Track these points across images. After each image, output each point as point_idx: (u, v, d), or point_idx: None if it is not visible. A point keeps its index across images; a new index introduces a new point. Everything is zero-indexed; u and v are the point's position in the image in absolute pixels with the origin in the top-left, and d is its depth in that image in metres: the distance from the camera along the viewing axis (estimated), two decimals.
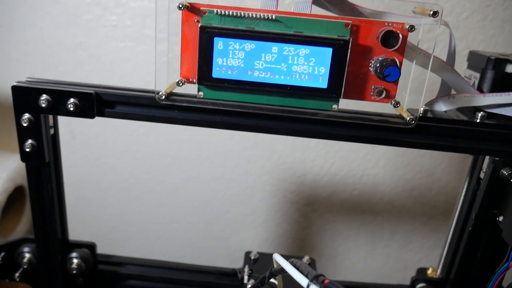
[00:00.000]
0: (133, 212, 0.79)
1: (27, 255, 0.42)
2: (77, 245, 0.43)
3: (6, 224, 0.70)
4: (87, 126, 0.73)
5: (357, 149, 0.72)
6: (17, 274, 0.44)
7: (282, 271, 0.34)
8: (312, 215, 0.77)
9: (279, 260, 0.29)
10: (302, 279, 0.24)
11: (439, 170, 0.72)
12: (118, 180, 0.76)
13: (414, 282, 0.43)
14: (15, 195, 0.70)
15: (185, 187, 0.76)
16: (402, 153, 0.71)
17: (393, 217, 0.76)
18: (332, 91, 0.32)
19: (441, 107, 0.36)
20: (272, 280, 0.44)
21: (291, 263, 0.27)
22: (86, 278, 0.44)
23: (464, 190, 0.41)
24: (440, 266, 0.44)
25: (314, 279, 0.23)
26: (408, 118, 0.33)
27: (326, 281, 0.22)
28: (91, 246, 0.43)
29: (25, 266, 0.42)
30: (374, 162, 0.72)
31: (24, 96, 0.34)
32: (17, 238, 0.43)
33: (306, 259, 0.47)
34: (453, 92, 0.36)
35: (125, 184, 0.76)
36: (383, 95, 0.33)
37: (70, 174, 0.75)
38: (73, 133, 0.73)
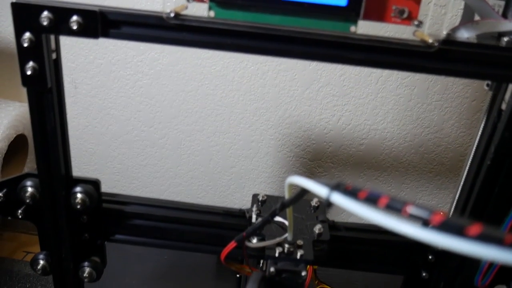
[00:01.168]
0: (136, 166, 0.78)
1: (30, 189, 0.41)
2: (81, 181, 0.42)
3: (8, 175, 0.69)
4: (89, 76, 0.71)
5: (365, 102, 0.70)
6: (19, 211, 0.43)
7: (294, 201, 0.33)
8: (317, 170, 0.76)
9: (294, 179, 0.28)
10: (322, 190, 0.22)
11: (448, 125, 0.71)
12: (120, 132, 0.75)
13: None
14: (17, 145, 0.68)
15: (189, 140, 0.74)
16: (411, 107, 0.70)
17: (399, 173, 0.75)
18: (352, 9, 0.31)
19: (463, 34, 0.34)
20: (280, 219, 0.43)
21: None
22: (91, 216, 0.44)
23: (483, 124, 0.39)
24: (453, 207, 0.43)
25: (335, 187, 0.22)
26: (430, 41, 0.31)
27: (349, 186, 0.21)
28: (95, 183, 0.42)
29: (27, 201, 0.41)
30: (382, 116, 0.71)
31: (24, 13, 0.32)
32: (19, 174, 0.42)
33: (315, 201, 0.46)
34: (476, 18, 0.35)
35: (128, 137, 0.75)
36: (405, 15, 0.31)
37: (72, 126, 0.74)
38: (75, 83, 0.71)
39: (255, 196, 0.46)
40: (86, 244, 0.45)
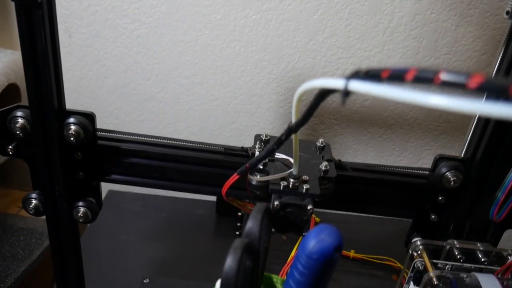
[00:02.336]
0: (133, 121, 0.76)
1: (21, 121, 0.38)
2: (75, 113, 0.39)
3: None
4: (84, 25, 0.68)
5: (371, 55, 0.67)
6: (10, 147, 0.41)
7: (302, 123, 0.31)
8: (319, 127, 0.74)
9: (305, 85, 0.26)
10: (338, 82, 0.20)
11: None
12: (117, 86, 0.72)
13: (437, 161, 0.40)
14: (9, 96, 0.66)
15: (188, 94, 0.72)
16: (418, 61, 0.67)
17: (404, 131, 0.73)
18: None
19: None
20: (284, 156, 0.41)
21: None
22: (85, 152, 0.41)
23: (500, 58, 0.37)
24: (466, 146, 0.41)
25: (352, 75, 0.20)
26: None
27: (368, 70, 0.19)
28: (90, 116, 0.40)
29: (18, 133, 0.39)
30: None
31: None
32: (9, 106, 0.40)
33: (320, 141, 0.44)
34: None
35: (125, 91, 0.73)
36: None
37: (67, 78, 0.71)
38: (69, 32, 0.68)
39: (258, 136, 0.44)
40: (81, 183, 0.43)
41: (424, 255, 0.40)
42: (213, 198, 0.79)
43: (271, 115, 0.73)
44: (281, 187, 0.37)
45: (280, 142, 0.34)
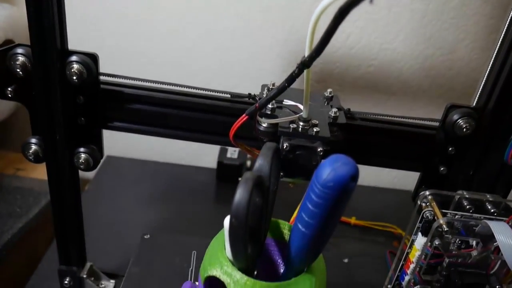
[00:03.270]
0: None
1: (21, 58, 0.37)
2: (78, 52, 0.38)
3: None
4: None
5: (377, 18, 0.66)
6: (9, 89, 0.40)
7: (317, 54, 0.30)
8: None
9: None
10: None
11: (462, 46, 0.68)
12: (118, 47, 0.71)
13: (448, 109, 0.39)
14: None
15: (188, 58, 0.71)
16: (424, 25, 0.66)
17: (408, 98, 0.72)
18: None
19: None
20: (292, 102, 0.40)
21: None
22: (87, 96, 0.40)
23: (507, 23, 0.36)
24: (478, 95, 0.40)
25: None
26: None
27: None
28: (93, 56, 0.38)
29: (18, 71, 0.37)
30: (394, 34, 0.67)
31: None
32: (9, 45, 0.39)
33: (329, 91, 0.43)
34: None
35: (125, 53, 0.71)
36: None
37: None
38: None
39: (264, 86, 0.43)
40: (82, 129, 0.42)
41: (434, 204, 0.39)
42: (213, 165, 0.78)
43: (275, 79, 0.71)
44: (290, 129, 0.36)
45: (292, 79, 0.33)
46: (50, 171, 0.42)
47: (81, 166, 0.42)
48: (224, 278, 0.31)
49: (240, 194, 0.27)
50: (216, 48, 0.69)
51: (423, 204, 0.40)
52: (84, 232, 0.48)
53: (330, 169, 0.26)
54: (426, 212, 0.39)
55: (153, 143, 0.80)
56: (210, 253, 0.33)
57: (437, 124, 0.41)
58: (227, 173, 0.73)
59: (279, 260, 0.38)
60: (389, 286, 0.45)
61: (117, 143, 0.79)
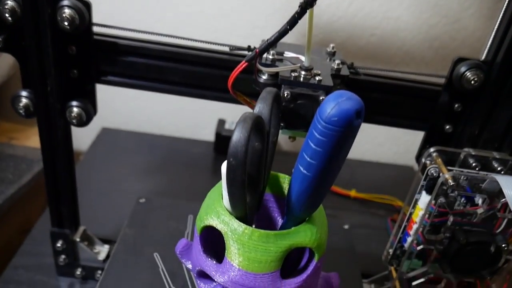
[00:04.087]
0: None
1: (10, 2, 0.35)
2: None
3: None
4: None
5: None
6: None
7: None
8: None
9: None
10: None
11: (466, 15, 0.66)
12: (112, 13, 0.69)
13: (456, 63, 0.38)
14: None
15: (186, 25, 0.69)
16: None
17: (410, 70, 0.71)
18: None
19: None
20: (293, 54, 0.38)
21: None
22: (80, 46, 0.39)
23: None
24: (486, 50, 0.38)
25: None
26: None
27: None
28: (86, 2, 0.37)
29: (7, 17, 0.35)
30: (398, 1, 0.65)
31: None
32: None
33: (331, 46, 0.41)
34: None
35: (121, 18, 0.69)
36: None
37: None
38: None
39: (264, 40, 0.41)
40: (75, 83, 0.40)
41: (439, 161, 0.38)
42: (211, 138, 0.76)
43: None
44: (292, 78, 0.34)
45: (294, 21, 0.31)
46: (41, 126, 0.41)
47: (74, 121, 0.40)
48: (221, 227, 0.29)
49: (239, 133, 0.26)
50: (214, 15, 0.68)
51: (428, 162, 0.39)
52: (78, 200, 0.47)
53: (334, 103, 0.24)
54: (431, 169, 0.38)
55: (150, 115, 0.78)
56: (207, 203, 0.32)
57: (443, 80, 0.40)
58: (225, 145, 0.71)
59: (278, 218, 0.37)
60: (390, 250, 0.44)
61: (113, 114, 0.77)
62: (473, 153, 0.38)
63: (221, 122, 0.74)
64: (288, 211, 0.30)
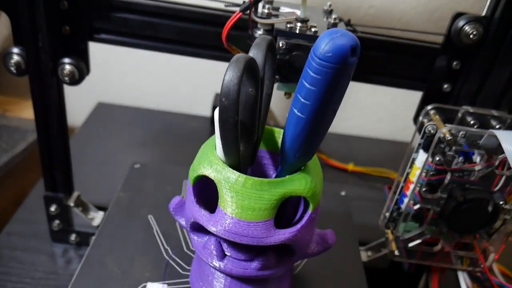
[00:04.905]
0: None
1: None
2: None
3: None
4: None
5: None
6: None
7: None
8: None
9: None
10: None
11: None
12: None
13: (455, 17, 0.37)
14: None
15: None
16: None
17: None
18: None
19: None
20: (289, 9, 0.37)
21: None
22: (71, 1, 0.38)
23: None
24: (486, 7, 0.38)
25: None
26: None
27: None
28: None
29: None
30: None
31: None
32: None
33: (328, 4, 0.40)
34: None
35: None
36: None
37: None
38: None
39: None
40: (67, 40, 0.39)
41: (436, 118, 0.38)
42: (208, 113, 0.76)
43: None
44: (287, 29, 0.33)
45: None
46: (33, 84, 0.40)
47: (66, 79, 0.40)
48: (214, 175, 0.29)
49: (231, 72, 0.25)
50: None
51: (425, 120, 0.39)
52: (73, 170, 0.47)
53: (328, 39, 0.24)
54: (428, 126, 0.37)
55: (146, 91, 0.77)
56: (200, 155, 0.32)
57: (441, 39, 0.39)
58: None
59: (273, 175, 0.37)
60: (386, 214, 0.43)
61: (109, 89, 0.77)
62: (471, 111, 0.38)
63: (218, 97, 0.73)
64: (282, 159, 0.29)
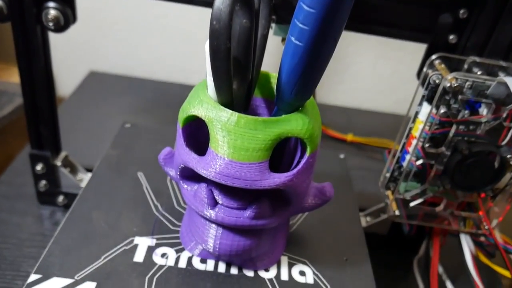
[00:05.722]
0: None
1: None
2: None
3: None
4: None
5: None
6: None
7: None
8: None
9: None
10: None
11: None
12: None
13: None
14: None
15: None
16: None
17: None
18: None
19: None
20: None
21: None
22: None
23: None
24: None
25: None
26: None
27: None
28: None
29: None
30: None
31: None
32: None
33: None
34: None
35: None
36: None
37: None
38: None
39: None
40: None
41: (442, 66, 0.36)
42: None
43: None
44: None
45: None
46: (16, 31, 0.38)
47: (50, 24, 0.37)
48: (205, 114, 0.27)
49: None
50: None
51: (430, 71, 0.37)
52: (61, 134, 0.45)
53: None
54: (433, 76, 0.35)
55: (140, 59, 0.75)
56: (190, 96, 0.30)
57: None
58: None
59: None
60: (387, 175, 0.42)
61: (102, 57, 0.75)
62: (478, 61, 0.36)
63: None
64: (278, 97, 0.28)
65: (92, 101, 0.66)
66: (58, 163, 0.45)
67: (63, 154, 0.46)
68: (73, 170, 0.47)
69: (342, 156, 0.48)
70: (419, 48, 0.40)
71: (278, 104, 0.28)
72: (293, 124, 0.27)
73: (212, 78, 0.27)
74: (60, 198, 0.46)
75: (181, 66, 0.75)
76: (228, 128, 0.26)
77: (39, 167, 0.44)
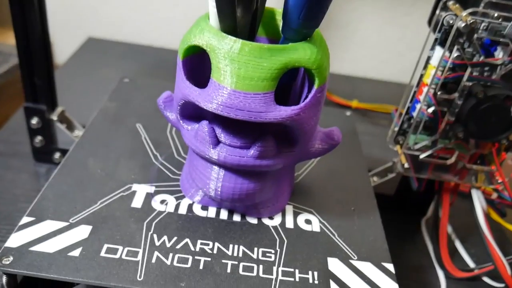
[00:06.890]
0: None
1: None
2: None
3: None
4: None
5: None
6: None
7: None
8: None
9: None
10: None
11: None
12: None
13: None
14: None
15: None
16: None
17: None
18: None
19: None
20: None
21: None
22: None
23: None
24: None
25: None
26: None
27: None
28: None
29: None
30: None
31: None
32: None
33: None
34: None
35: None
36: None
37: None
38: None
39: None
40: None
41: (456, 6, 0.34)
42: None
43: None
44: None
45: None
46: None
47: None
48: (207, 44, 0.25)
49: None
50: None
51: (443, 13, 0.35)
52: (58, 96, 0.43)
53: None
54: (447, 17, 0.33)
55: (139, 26, 0.73)
56: (192, 27, 0.28)
57: None
58: None
59: None
60: (395, 129, 0.40)
61: (100, 23, 0.73)
62: (494, 1, 0.34)
63: None
64: (285, 24, 0.26)
65: (90, 65, 0.65)
66: (54, 117, 0.43)
67: (59, 109, 0.44)
68: (70, 127, 0.45)
69: (348, 113, 0.47)
70: (426, 13, 0.38)
71: (284, 32, 0.26)
72: (301, 53, 0.25)
73: (214, 4, 0.25)
74: (57, 155, 0.45)
75: (181, 33, 0.73)
76: (231, 56, 0.25)
77: (34, 121, 0.43)
